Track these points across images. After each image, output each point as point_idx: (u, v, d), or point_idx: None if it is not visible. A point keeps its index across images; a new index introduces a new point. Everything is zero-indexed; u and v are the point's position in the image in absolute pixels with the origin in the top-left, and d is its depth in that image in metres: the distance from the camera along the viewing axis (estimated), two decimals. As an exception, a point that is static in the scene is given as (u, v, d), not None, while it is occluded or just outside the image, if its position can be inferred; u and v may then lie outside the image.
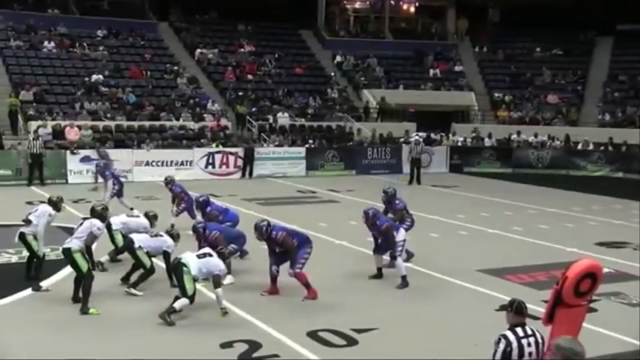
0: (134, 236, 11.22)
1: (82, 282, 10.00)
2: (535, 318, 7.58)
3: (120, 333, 9.11)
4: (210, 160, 25.89)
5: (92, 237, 10.19)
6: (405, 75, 36.03)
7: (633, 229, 16.48)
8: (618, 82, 34.86)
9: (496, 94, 35.25)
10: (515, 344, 5.67)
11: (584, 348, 4.92)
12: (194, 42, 34.16)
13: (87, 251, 10.12)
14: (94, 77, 29.31)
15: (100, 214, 10.46)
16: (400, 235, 11.79)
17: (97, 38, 32.40)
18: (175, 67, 31.82)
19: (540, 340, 5.80)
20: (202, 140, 27.17)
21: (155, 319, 9.46)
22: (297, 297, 10.92)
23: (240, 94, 31.12)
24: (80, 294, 9.97)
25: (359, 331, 9.16)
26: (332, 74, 34.77)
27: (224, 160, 26.10)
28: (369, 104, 33.20)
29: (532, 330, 5.85)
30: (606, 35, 37.12)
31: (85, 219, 10.47)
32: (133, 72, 30.65)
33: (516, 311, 5.93)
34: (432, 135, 30.66)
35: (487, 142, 30.99)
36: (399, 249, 11.66)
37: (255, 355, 8.38)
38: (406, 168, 26.85)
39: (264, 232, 10.82)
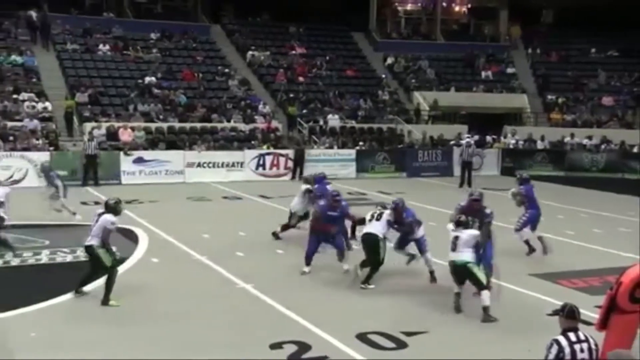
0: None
1: (107, 276, 10.29)
2: (588, 324, 7.46)
3: (163, 328, 9.25)
4: (261, 162, 26.08)
5: (107, 233, 10.40)
6: (457, 77, 35.75)
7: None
8: (676, 84, 34.06)
9: (549, 96, 34.72)
10: (567, 349, 5.59)
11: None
12: (246, 44, 34.48)
13: (103, 246, 10.36)
14: (147, 79, 29.79)
15: (113, 207, 10.62)
16: (421, 231, 12.01)
17: (151, 41, 32.92)
18: (227, 69, 32.14)
19: (594, 347, 5.71)
20: (252, 142, 27.38)
21: (198, 314, 9.60)
22: (346, 298, 10.95)
23: (291, 95, 31.29)
24: (103, 287, 10.27)
25: (408, 334, 9.13)
26: (383, 75, 34.70)
27: (275, 161, 26.25)
28: (419, 106, 33.03)
29: (586, 336, 5.76)
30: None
31: (100, 214, 10.59)
32: (185, 74, 31.05)
33: (568, 315, 5.85)
34: (487, 137, 30.34)
35: (540, 145, 30.53)
36: (425, 243, 11.93)
37: (304, 356, 8.42)
38: (457, 171, 26.63)
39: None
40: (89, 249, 10.40)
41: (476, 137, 28.96)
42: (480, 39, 39.15)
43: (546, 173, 28.44)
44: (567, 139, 30.65)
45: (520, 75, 36.31)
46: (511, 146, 30.48)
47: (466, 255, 10.05)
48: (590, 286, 11.61)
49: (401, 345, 8.87)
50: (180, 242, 14.65)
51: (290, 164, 26.31)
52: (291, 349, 8.59)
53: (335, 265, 12.91)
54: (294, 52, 34.73)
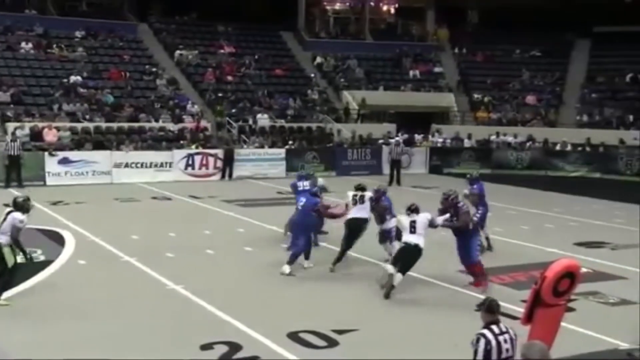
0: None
1: (6, 275, 10.10)
2: (514, 318, 7.62)
3: (91, 330, 9.05)
4: (190, 162, 25.77)
5: (16, 230, 10.14)
6: (386, 77, 36.12)
7: (611, 229, 16.62)
8: (596, 84, 35.16)
9: (475, 95, 35.44)
10: (494, 342, 5.72)
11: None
12: (174, 43, 34.02)
13: (16, 244, 10.12)
14: (73, 78, 29.07)
15: (21, 205, 10.35)
16: (392, 223, 12.47)
17: (75, 39, 32.13)
18: (155, 69, 31.66)
19: (513, 337, 5.86)
20: (181, 142, 27.06)
21: (126, 316, 9.42)
22: (276, 297, 10.92)
23: (220, 95, 31.05)
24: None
25: (340, 332, 9.15)
26: (313, 75, 34.79)
27: (204, 161, 26.00)
28: (349, 105, 33.25)
29: (506, 327, 5.92)
30: (584, 37, 37.45)
31: (8, 213, 10.26)
32: (112, 73, 30.44)
33: (488, 309, 6.00)
34: (415, 136, 30.76)
35: (467, 143, 31.13)
36: (393, 236, 12.45)
37: (235, 357, 8.35)
38: (386, 169, 26.92)
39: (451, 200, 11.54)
40: None
41: (405, 136, 29.36)
42: (408, 38, 39.65)
43: (473, 171, 28.90)
44: (493, 137, 31.33)
45: (447, 74, 36.95)
46: (439, 145, 30.97)
47: (421, 239, 10.91)
48: (516, 281, 11.89)
49: (332, 343, 8.89)
50: (108, 243, 14.35)
51: (220, 163, 26.10)
52: (222, 349, 8.51)
53: (267, 264, 12.88)
54: (222, 51, 34.47)
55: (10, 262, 10.08)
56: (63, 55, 30.71)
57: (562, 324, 7.32)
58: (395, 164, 25.82)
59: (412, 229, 10.92)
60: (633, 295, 10.98)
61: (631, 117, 32.18)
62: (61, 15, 33.63)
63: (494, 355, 5.70)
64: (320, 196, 13.24)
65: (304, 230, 12.63)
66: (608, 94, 34.27)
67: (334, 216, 13.21)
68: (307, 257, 12.67)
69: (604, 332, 9.01)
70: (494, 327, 5.85)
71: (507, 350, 5.80)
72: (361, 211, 12.51)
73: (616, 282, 12.19)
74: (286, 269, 12.23)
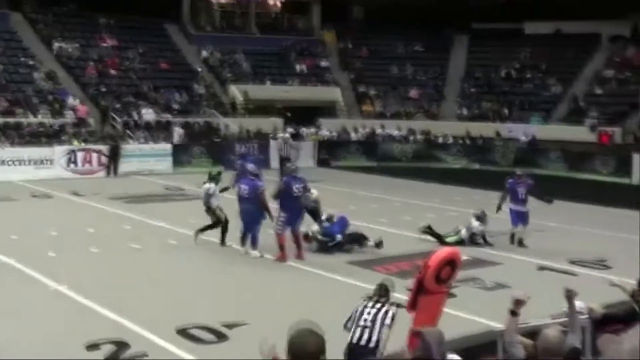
0: None
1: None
2: (399, 306, 7.85)
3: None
4: (73, 159, 24.97)
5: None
6: (272, 71, 36.15)
7: (489, 217, 17.30)
8: (474, 79, 36.51)
9: (361, 89, 36.06)
10: (360, 308, 6.96)
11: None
12: (51, 35, 32.69)
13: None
14: (-59, 71, 27.55)
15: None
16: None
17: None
18: (31, 61, 30.36)
19: (385, 315, 6.92)
20: (62, 138, 26.14)
21: (7, 318, 9.08)
22: (165, 293, 10.80)
23: (103, 89, 30.20)
24: None
25: (229, 326, 9.15)
26: (199, 69, 34.38)
27: (87, 158, 25.25)
28: (236, 100, 33.09)
29: (384, 306, 6.96)
30: (463, 33, 38.78)
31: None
32: (-16, 66, 29.02)
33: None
34: (303, 130, 30.98)
35: (353, 137, 31.65)
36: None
37: (123, 356, 8.21)
38: (274, 163, 26.99)
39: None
40: None
41: (292, 130, 29.53)
42: (294, 33, 39.83)
43: (360, 164, 29.57)
44: (379, 131, 32.01)
45: (334, 68, 37.39)
46: (326, 138, 31.34)
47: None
48: (402, 270, 12.23)
49: (222, 337, 8.89)
50: (-15, 245, 13.72)
51: (105, 159, 25.42)
52: (109, 348, 8.34)
53: (155, 260, 12.72)
54: (104, 44, 33.47)
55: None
56: None
57: (445, 309, 7.60)
58: (284, 161, 25.84)
59: None
60: (507, 280, 11.55)
61: (506, 111, 33.67)
62: None
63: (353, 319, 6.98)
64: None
65: (258, 216, 12.97)
66: (485, 89, 35.68)
67: (266, 207, 13.17)
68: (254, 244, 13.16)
69: (482, 315, 9.43)
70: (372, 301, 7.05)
71: (365, 319, 6.89)
72: None
73: (492, 268, 12.81)
74: (254, 253, 12.88)
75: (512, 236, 14.78)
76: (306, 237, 13.72)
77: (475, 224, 14.70)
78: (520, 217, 14.72)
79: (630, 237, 15.15)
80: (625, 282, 7.98)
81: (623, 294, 7.57)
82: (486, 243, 14.63)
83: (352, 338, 6.87)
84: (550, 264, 12.98)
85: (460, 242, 14.15)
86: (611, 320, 6.84)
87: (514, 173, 15.50)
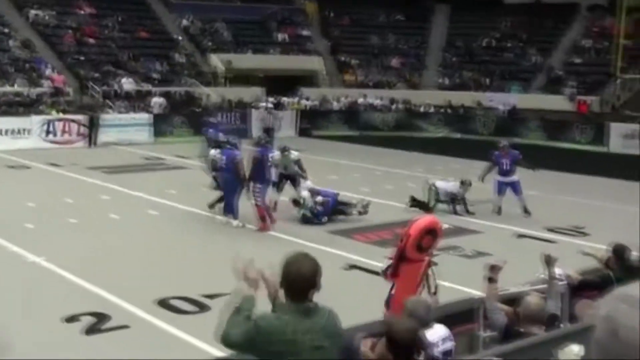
0: None
1: None
2: (378, 274, 7.87)
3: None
4: (51, 129, 24.69)
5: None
6: (254, 40, 35.80)
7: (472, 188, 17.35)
8: (455, 48, 36.41)
9: (342, 58, 35.87)
10: None
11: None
12: (26, 2, 32.06)
13: None
14: None
15: None
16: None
17: None
18: (6, 29, 29.83)
19: None
20: (40, 107, 25.80)
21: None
22: (145, 264, 10.76)
23: (82, 58, 29.80)
24: None
25: (211, 297, 9.12)
26: (179, 38, 33.99)
27: (66, 128, 24.98)
28: (217, 69, 32.81)
29: None
30: (444, 3, 38.55)
31: None
32: (-41, 35, 28.52)
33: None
34: (284, 99, 30.82)
35: (335, 106, 31.54)
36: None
37: (103, 327, 8.18)
38: (255, 132, 26.83)
39: None
40: None
41: (273, 100, 29.37)
42: (276, 1, 39.38)
43: (341, 133, 29.50)
44: (360, 100, 31.91)
45: (315, 38, 37.13)
46: (307, 107, 31.21)
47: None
48: (382, 239, 12.26)
49: (204, 308, 8.88)
50: (-39, 216, 13.58)
51: (84, 130, 25.16)
52: (89, 321, 8.30)
53: (134, 231, 12.66)
54: (82, 12, 32.96)
55: None
56: None
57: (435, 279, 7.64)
58: (268, 132, 25.67)
59: None
60: (487, 248, 11.62)
61: (487, 80, 33.68)
62: None
63: None
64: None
65: (236, 186, 12.98)
66: (466, 58, 35.61)
67: (242, 176, 13.15)
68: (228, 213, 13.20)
69: (462, 282, 9.47)
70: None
71: None
72: None
73: (473, 236, 12.88)
74: (235, 222, 13.01)
75: (500, 208, 14.78)
76: (297, 203, 13.82)
77: (454, 185, 14.87)
78: (509, 187, 14.81)
79: (606, 205, 15.34)
80: (599, 249, 8.05)
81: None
82: (468, 212, 14.72)
83: None
84: (529, 231, 13.09)
85: (440, 201, 14.78)
86: (587, 287, 6.92)
87: (498, 144, 15.53)
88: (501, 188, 14.90)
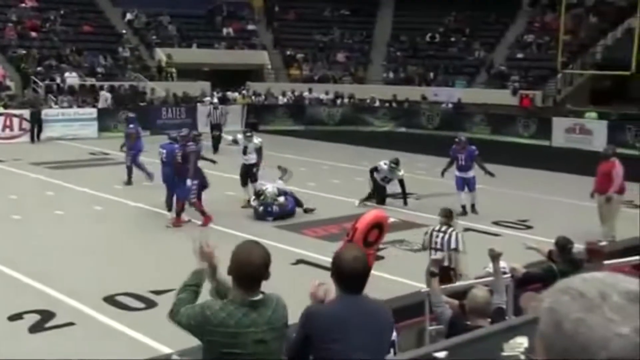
0: None
1: None
2: (327, 269, 7.94)
3: None
4: (-8, 124, 24.13)
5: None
6: (199, 34, 35.52)
7: (416, 180, 17.56)
8: (400, 42, 36.72)
9: (288, 52, 35.86)
10: (429, 230, 8.96)
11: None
12: (-35, -5, 31.32)
13: None
14: None
15: None
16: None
17: None
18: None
19: (448, 237, 8.77)
20: (-20, 103, 25.21)
21: None
22: (91, 261, 10.63)
23: (23, 52, 29.14)
24: None
25: (158, 293, 9.07)
26: (124, 31, 33.50)
27: (7, 123, 24.44)
28: (162, 63, 32.45)
29: (447, 230, 8.81)
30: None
31: None
32: None
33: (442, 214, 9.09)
34: (229, 93, 30.66)
35: (281, 100, 31.51)
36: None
37: (48, 325, 8.06)
38: (201, 126, 26.54)
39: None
40: None
41: (219, 95, 29.19)
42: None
43: (287, 127, 29.50)
44: (306, 94, 31.95)
45: (261, 32, 37.01)
46: (254, 102, 31.11)
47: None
48: (330, 234, 12.35)
49: (151, 304, 8.82)
50: None
51: (26, 125, 24.63)
52: (33, 318, 8.19)
53: (80, 227, 12.48)
54: (23, 5, 32.21)
55: None
56: None
57: (372, 271, 7.71)
58: (216, 128, 25.35)
59: None
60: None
61: (431, 75, 34.08)
62: None
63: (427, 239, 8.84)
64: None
65: (179, 180, 12.77)
66: (410, 52, 35.94)
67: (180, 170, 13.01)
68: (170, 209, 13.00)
69: (408, 276, 9.61)
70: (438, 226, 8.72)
71: (436, 242, 8.67)
72: None
73: (419, 230, 12.99)
74: (184, 216, 12.91)
75: (464, 207, 14.50)
76: (258, 194, 13.96)
77: (384, 167, 15.16)
78: (465, 183, 14.64)
79: (550, 198, 15.70)
80: (543, 242, 8.26)
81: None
82: (405, 203, 14.94)
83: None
84: (475, 225, 13.31)
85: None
86: (531, 280, 7.08)
87: (455, 139, 15.47)
88: (459, 183, 14.70)
